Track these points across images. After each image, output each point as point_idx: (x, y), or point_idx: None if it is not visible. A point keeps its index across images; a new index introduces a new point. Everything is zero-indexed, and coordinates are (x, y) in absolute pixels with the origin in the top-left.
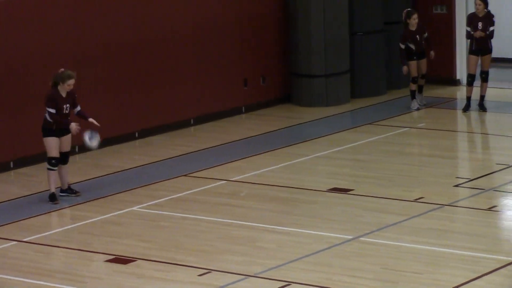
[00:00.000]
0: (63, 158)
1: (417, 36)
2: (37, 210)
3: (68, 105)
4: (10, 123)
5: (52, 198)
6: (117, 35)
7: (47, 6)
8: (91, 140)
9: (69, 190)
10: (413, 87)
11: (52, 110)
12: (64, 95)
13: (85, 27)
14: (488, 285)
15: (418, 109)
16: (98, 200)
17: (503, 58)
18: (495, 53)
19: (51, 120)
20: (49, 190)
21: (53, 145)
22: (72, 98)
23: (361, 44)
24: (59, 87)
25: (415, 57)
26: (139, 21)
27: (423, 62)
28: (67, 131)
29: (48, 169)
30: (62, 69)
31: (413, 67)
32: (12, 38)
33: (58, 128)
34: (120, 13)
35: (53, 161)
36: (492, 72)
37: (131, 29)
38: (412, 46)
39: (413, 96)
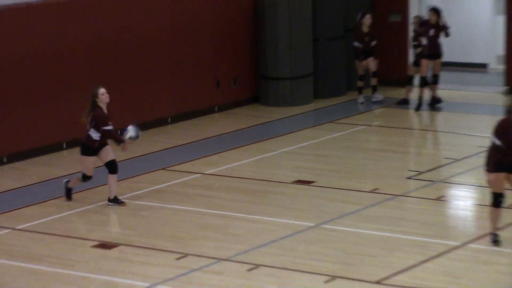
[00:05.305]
0: (110, 168)
1: (366, 38)
2: (29, 201)
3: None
4: (3, 119)
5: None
6: (94, 36)
7: (32, 9)
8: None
9: (115, 200)
10: (360, 83)
11: (109, 127)
12: (106, 110)
13: (66, 28)
14: (437, 266)
15: (362, 103)
16: (83, 192)
17: (452, 62)
18: (445, 58)
19: (109, 138)
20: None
21: (90, 165)
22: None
23: (323, 50)
24: (100, 104)
25: (361, 56)
26: (117, 23)
27: (370, 60)
28: (104, 143)
29: (80, 180)
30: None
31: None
32: (1, 36)
33: (98, 146)
34: (98, 14)
35: (87, 179)
36: (442, 74)
37: (109, 30)
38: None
39: (359, 92)
